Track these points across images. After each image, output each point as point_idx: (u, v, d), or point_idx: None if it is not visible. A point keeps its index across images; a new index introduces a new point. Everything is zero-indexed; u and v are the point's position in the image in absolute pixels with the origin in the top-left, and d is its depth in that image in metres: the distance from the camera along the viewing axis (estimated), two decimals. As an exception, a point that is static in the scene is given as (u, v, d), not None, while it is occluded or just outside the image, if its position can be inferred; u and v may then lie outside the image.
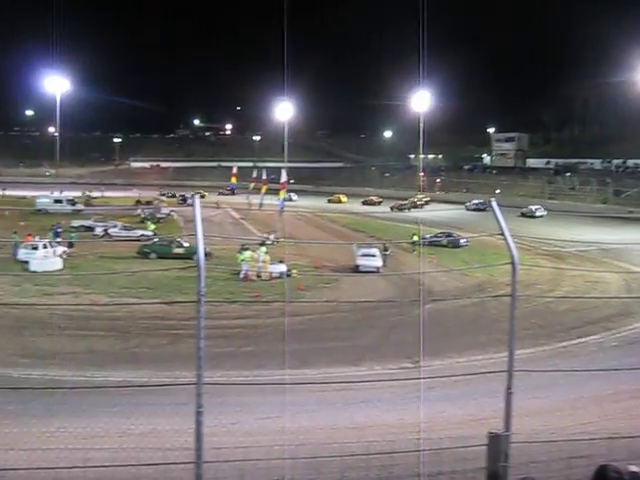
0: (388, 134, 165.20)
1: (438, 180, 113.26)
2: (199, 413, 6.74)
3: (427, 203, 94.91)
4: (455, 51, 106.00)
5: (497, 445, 7.67)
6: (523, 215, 77.13)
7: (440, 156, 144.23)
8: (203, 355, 6.74)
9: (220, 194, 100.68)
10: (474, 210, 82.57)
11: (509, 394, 7.75)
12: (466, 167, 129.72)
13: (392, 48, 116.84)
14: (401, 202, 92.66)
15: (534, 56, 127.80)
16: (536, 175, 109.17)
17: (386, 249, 44.58)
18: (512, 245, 7.91)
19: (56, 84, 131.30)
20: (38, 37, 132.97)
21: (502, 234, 8.03)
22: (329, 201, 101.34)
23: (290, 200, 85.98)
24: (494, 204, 8.43)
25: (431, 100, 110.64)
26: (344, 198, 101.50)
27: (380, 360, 24.06)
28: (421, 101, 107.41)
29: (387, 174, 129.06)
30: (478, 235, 55.95)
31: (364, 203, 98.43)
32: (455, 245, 52.58)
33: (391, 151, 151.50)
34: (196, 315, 6.75)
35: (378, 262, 42.69)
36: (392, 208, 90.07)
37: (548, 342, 26.74)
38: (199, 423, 6.72)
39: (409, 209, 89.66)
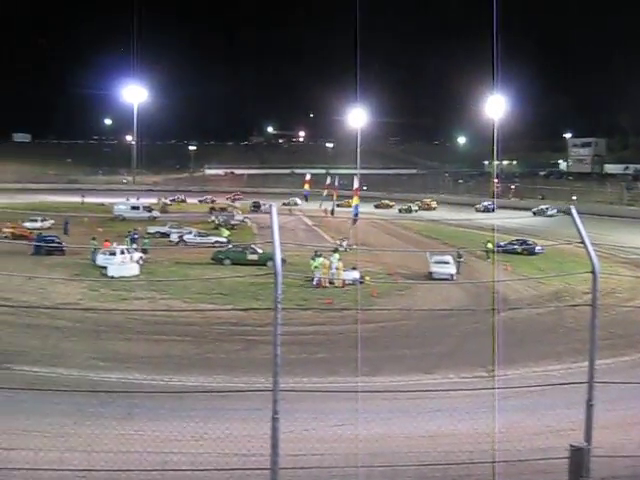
0: (462, 140, 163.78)
1: (512, 187, 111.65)
2: (275, 419, 6.74)
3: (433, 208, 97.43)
4: (530, 55, 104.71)
5: (579, 458, 7.47)
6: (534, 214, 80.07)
7: (515, 162, 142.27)
8: (279, 362, 6.75)
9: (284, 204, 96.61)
10: (483, 211, 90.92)
11: (590, 406, 7.55)
12: (542, 173, 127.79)
13: (466, 53, 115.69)
14: (410, 204, 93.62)
15: (611, 59, 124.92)
16: (614, 181, 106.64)
17: (460, 256, 44.08)
18: (592, 253, 7.73)
19: (134, 93, 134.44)
20: (117, 47, 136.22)
21: (582, 242, 7.84)
22: (376, 206, 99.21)
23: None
24: (573, 211, 8.26)
25: (506, 105, 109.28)
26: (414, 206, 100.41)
27: (454, 368, 23.75)
28: (495, 106, 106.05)
29: (461, 181, 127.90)
30: (555, 243, 54.82)
31: (376, 207, 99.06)
32: (530, 252, 51.73)
33: (465, 158, 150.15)
34: (272, 322, 6.76)
35: (452, 269, 42.28)
36: (400, 210, 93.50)
37: (628, 352, 25.98)
38: (275, 429, 6.73)
39: (416, 211, 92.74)
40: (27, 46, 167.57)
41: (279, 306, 6.67)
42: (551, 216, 79.29)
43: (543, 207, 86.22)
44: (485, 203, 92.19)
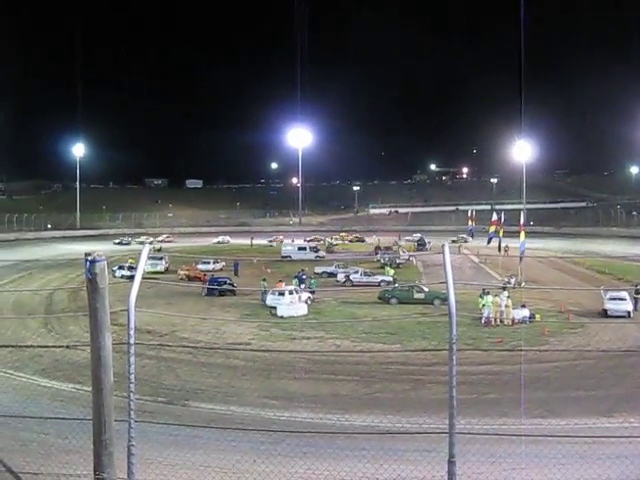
0: (634, 170, 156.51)
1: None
2: (451, 463, 6.55)
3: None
4: None
5: None
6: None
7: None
8: (455, 404, 6.59)
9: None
10: None
11: None
12: None
13: (634, 82, 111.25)
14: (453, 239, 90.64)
15: None
16: None
17: (638, 292, 41.90)
18: None
19: (298, 138, 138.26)
20: (280, 95, 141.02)
21: None
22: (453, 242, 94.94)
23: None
24: None
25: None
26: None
27: (634, 412, 22.42)
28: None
29: (635, 212, 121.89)
30: None
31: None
32: None
33: (638, 188, 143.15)
34: (447, 362, 6.63)
35: (628, 306, 40.20)
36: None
37: None
38: (452, 474, 6.55)
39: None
40: (193, 99, 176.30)
41: (454, 347, 6.53)
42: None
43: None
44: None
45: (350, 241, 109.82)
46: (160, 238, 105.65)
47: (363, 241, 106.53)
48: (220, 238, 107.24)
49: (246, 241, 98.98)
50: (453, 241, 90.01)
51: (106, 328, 6.25)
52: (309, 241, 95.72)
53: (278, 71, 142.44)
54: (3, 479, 8.57)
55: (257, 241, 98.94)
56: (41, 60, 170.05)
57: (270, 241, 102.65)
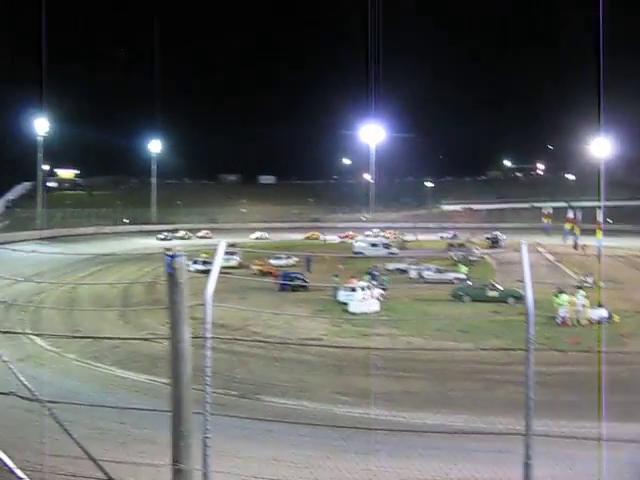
0: None
1: None
2: (528, 465, 6.39)
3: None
4: None
5: None
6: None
7: None
8: (533, 405, 6.45)
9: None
10: None
11: None
12: None
13: None
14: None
15: None
16: None
17: None
18: None
19: (371, 133, 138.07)
20: (353, 91, 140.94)
21: None
22: None
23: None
24: None
25: None
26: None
27: None
28: None
29: None
30: None
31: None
32: None
33: None
34: (523, 362, 6.50)
35: None
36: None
37: None
38: (528, 476, 6.41)
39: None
40: (267, 96, 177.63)
41: (531, 347, 6.39)
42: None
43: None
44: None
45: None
46: (200, 234, 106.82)
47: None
48: (258, 234, 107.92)
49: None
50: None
51: (185, 321, 6.34)
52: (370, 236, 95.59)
53: (351, 66, 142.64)
54: (86, 466, 8.79)
55: (329, 237, 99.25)
56: (121, 59, 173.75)
57: (342, 237, 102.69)
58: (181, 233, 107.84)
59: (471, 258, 68.09)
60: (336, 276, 48.11)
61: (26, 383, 8.11)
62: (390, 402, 23.34)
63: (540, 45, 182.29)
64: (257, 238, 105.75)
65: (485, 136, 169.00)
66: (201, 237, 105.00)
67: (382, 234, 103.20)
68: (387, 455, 15.57)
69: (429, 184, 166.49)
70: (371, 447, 15.66)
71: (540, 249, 78.16)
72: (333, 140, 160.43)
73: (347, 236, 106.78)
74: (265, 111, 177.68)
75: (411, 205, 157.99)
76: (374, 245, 79.37)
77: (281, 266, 61.66)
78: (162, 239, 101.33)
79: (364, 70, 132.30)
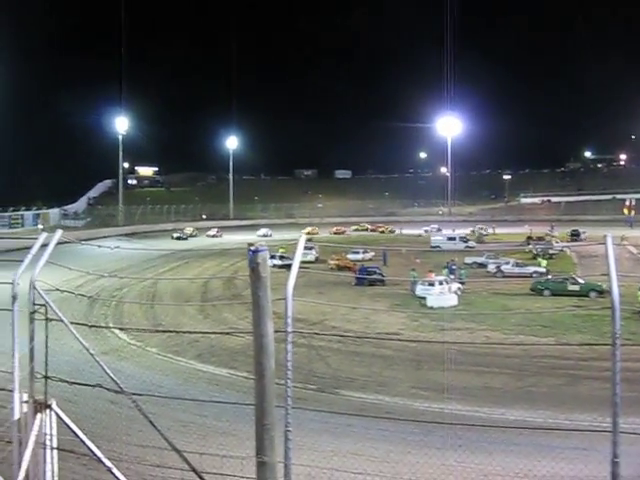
0: None
1: None
2: (615, 464, 6.22)
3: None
4: None
5: None
6: None
7: None
8: (619, 402, 6.27)
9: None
10: None
11: None
12: None
13: None
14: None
15: None
16: None
17: None
18: None
19: (448, 126, 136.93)
20: (429, 83, 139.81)
21: None
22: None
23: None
24: None
25: None
26: None
27: None
28: None
29: None
30: None
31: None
32: None
33: None
34: (609, 358, 6.33)
35: None
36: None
37: None
38: (615, 475, 6.24)
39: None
40: (343, 90, 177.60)
41: (618, 342, 6.22)
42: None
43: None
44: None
45: (382, 232, 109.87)
46: (210, 232, 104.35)
47: (393, 232, 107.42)
48: (263, 231, 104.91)
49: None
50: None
51: (268, 316, 6.40)
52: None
53: (427, 59, 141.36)
54: (170, 457, 8.97)
55: (406, 231, 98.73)
56: (197, 58, 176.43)
57: (426, 231, 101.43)
58: (188, 230, 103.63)
59: (551, 251, 66.76)
60: (413, 270, 47.84)
61: (112, 376, 8.31)
62: (469, 397, 23.13)
63: (622, 32, 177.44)
64: (264, 235, 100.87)
65: (565, 127, 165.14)
66: (212, 236, 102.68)
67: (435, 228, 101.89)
68: (467, 451, 15.42)
69: (507, 176, 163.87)
70: (451, 442, 15.53)
71: (623, 242, 76.14)
72: (409, 133, 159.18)
73: (338, 231, 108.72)
74: (341, 106, 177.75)
75: (488, 198, 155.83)
76: (451, 239, 78.70)
77: (358, 260, 61.70)
78: (177, 238, 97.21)
79: (440, 62, 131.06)
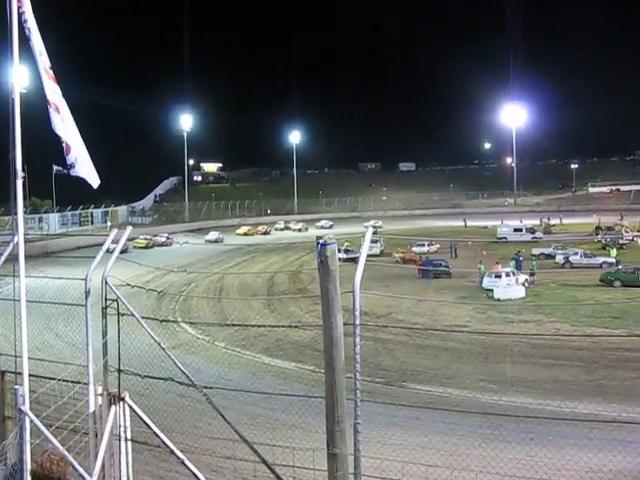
0: None
1: None
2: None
3: None
4: None
5: None
6: None
7: None
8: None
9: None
10: None
11: None
12: None
13: None
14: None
15: None
16: None
17: None
18: None
19: (512, 116, 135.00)
20: (493, 72, 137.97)
21: None
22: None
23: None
24: None
25: None
26: None
27: None
28: None
29: None
30: None
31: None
32: None
33: None
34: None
35: None
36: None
37: None
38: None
39: None
40: (403, 82, 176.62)
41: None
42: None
43: None
44: None
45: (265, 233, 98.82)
46: (296, 226, 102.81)
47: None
48: (322, 223, 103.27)
49: (459, 223, 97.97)
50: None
51: (337, 308, 6.43)
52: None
53: (492, 48, 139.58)
54: (239, 449, 9.09)
55: (471, 223, 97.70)
56: (261, 53, 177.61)
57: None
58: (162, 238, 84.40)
59: (621, 241, 65.19)
60: (481, 262, 47.34)
61: (184, 370, 8.45)
62: (539, 390, 22.85)
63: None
64: (321, 227, 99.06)
65: (634, 114, 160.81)
66: (298, 230, 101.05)
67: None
68: (536, 444, 15.25)
69: (574, 166, 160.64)
70: (521, 436, 15.39)
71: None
72: (473, 124, 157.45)
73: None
74: (403, 98, 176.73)
75: (555, 188, 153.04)
76: (518, 230, 77.62)
77: (423, 253, 61.35)
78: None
79: (505, 50, 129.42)
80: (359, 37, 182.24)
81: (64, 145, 6.83)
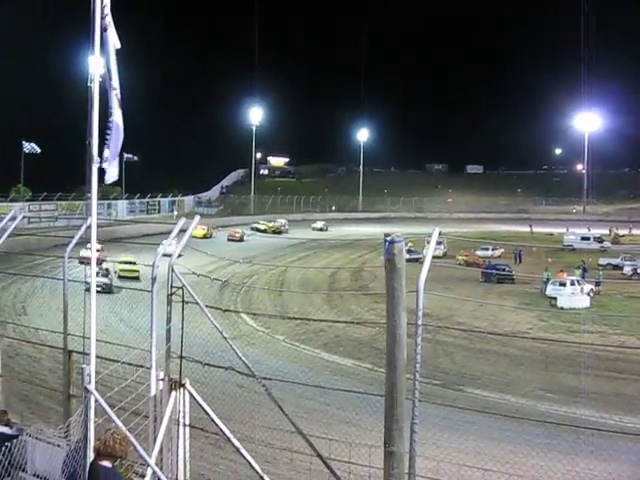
0: None
1: None
2: None
3: None
4: None
5: None
6: None
7: None
8: None
9: None
10: None
11: None
12: None
13: None
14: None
15: None
16: None
17: None
18: None
19: (586, 121, 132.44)
20: (566, 77, 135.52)
21: None
22: None
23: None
24: None
25: None
26: None
27: None
28: None
29: None
30: None
31: None
32: None
33: None
34: None
35: None
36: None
37: None
38: None
39: None
40: (472, 84, 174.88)
41: None
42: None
43: None
44: None
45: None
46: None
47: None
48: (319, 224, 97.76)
49: (525, 229, 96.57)
50: None
51: (402, 307, 6.44)
52: None
53: (564, 51, 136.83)
54: (295, 441, 9.17)
55: (537, 229, 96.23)
56: (330, 49, 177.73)
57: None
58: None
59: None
60: (546, 269, 46.62)
61: (245, 360, 8.56)
62: (600, 403, 22.41)
63: None
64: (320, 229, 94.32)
65: None
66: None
67: None
68: (594, 457, 14.97)
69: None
70: (578, 448, 15.11)
71: None
72: (544, 129, 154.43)
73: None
74: (473, 99, 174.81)
75: (626, 197, 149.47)
76: (585, 239, 76.16)
77: (487, 257, 60.67)
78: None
79: (578, 54, 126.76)
80: (428, 38, 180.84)
81: (111, 134, 6.79)
